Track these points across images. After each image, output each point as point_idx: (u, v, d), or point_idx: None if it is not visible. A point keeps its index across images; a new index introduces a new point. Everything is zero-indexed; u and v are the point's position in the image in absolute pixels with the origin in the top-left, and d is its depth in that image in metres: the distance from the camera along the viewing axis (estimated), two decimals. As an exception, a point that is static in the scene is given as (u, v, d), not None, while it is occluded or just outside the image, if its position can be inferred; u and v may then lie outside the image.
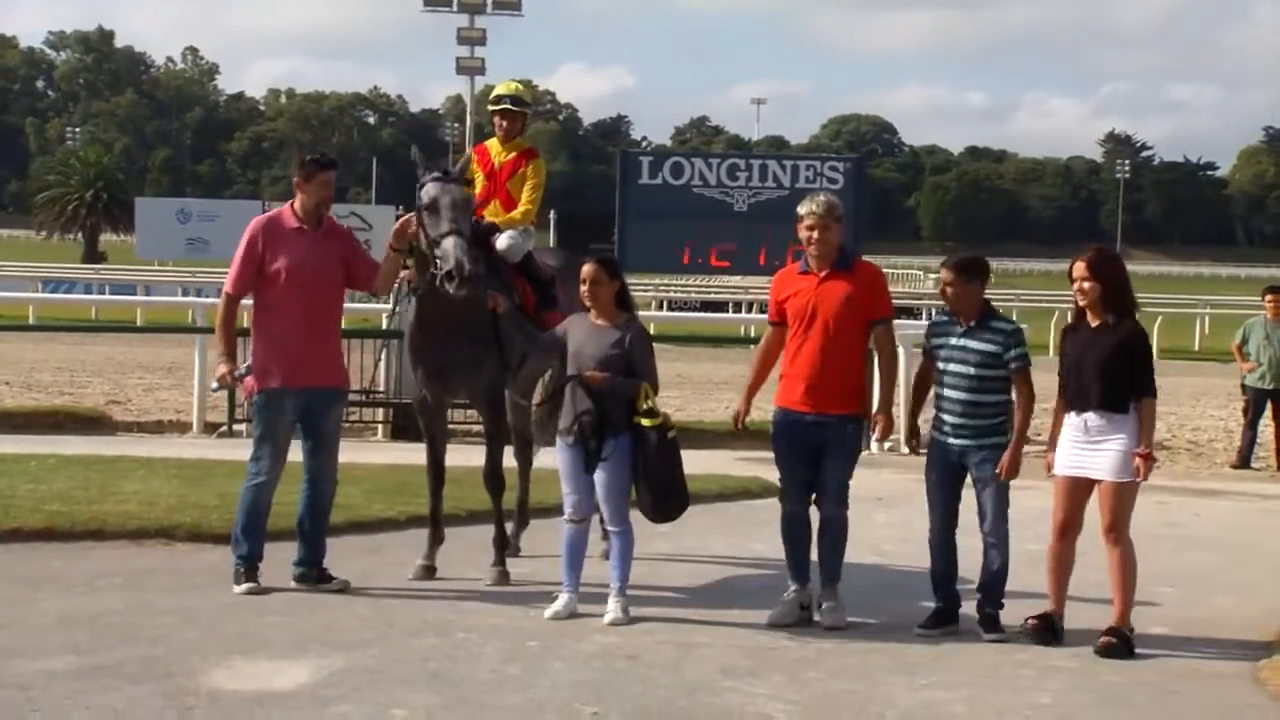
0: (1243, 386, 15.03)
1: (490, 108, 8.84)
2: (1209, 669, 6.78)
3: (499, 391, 8.23)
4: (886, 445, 14.63)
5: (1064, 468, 7.07)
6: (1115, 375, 6.89)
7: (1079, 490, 7.04)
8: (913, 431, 7.68)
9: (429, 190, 7.69)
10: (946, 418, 7.25)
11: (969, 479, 7.27)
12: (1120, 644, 6.84)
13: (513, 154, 8.73)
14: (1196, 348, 34.11)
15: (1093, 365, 6.91)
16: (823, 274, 7.36)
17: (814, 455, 7.36)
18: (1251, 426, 14.79)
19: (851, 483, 7.47)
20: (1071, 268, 7.07)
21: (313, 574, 7.75)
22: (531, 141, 9.26)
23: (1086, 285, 6.98)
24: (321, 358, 7.67)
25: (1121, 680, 6.49)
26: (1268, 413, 14.76)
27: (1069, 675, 6.55)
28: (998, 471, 7.12)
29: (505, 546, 8.27)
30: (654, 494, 7.26)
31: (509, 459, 8.73)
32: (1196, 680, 6.56)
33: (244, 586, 7.57)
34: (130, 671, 6.15)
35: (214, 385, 8.29)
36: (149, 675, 6.11)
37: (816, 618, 7.35)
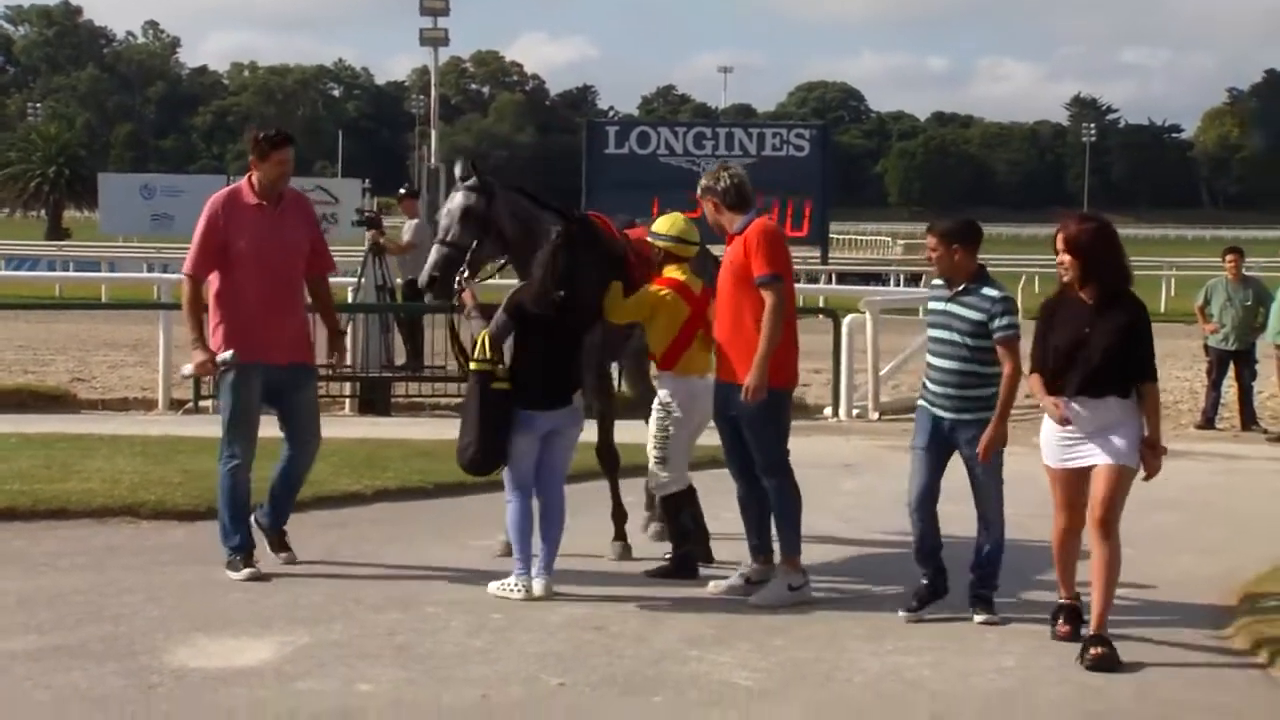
0: (1206, 348, 15.13)
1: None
2: (1173, 630, 6.81)
3: (605, 375, 8.23)
4: (856, 412, 14.71)
5: (1058, 460, 6.49)
6: (1114, 359, 6.32)
7: (1077, 479, 6.46)
8: None
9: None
10: (933, 386, 6.91)
11: (958, 454, 6.89)
12: (1111, 652, 6.22)
13: None
14: (1162, 310, 34.22)
15: (1088, 347, 6.32)
16: (730, 240, 7.32)
17: (737, 425, 7.23)
18: (1215, 387, 14.88)
19: (792, 447, 7.30)
20: (1056, 238, 6.49)
21: (269, 537, 7.71)
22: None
23: (1066, 260, 6.43)
24: (287, 335, 7.55)
25: (1086, 642, 6.52)
26: (1231, 373, 14.86)
27: (1032, 639, 6.57)
28: (979, 450, 6.72)
29: (624, 519, 8.15)
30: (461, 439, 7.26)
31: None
32: (1161, 642, 6.60)
33: (244, 572, 7.39)
34: (93, 650, 6.11)
35: (186, 371, 7.89)
36: (112, 654, 6.07)
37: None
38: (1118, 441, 6.33)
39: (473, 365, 7.28)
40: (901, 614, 6.87)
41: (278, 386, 7.55)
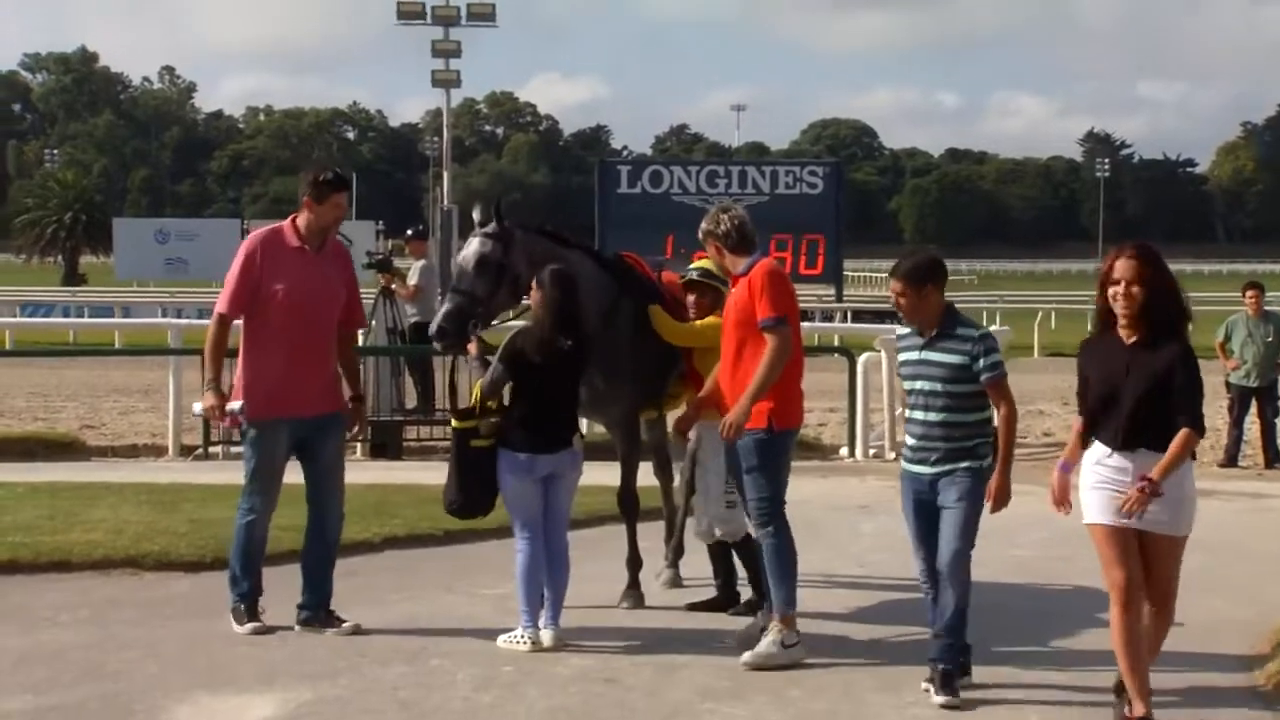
0: (1227, 384, 14.93)
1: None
2: (1204, 677, 6.62)
3: (633, 419, 8.05)
4: (872, 452, 14.52)
5: (1108, 515, 5.68)
6: (1166, 410, 5.65)
7: (1123, 537, 5.67)
8: None
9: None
10: (912, 442, 6.36)
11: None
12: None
13: None
14: (1181, 345, 34.03)
15: (1134, 396, 5.64)
16: (735, 282, 7.14)
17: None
18: (1237, 425, 14.69)
19: (789, 495, 6.98)
20: (1112, 266, 5.72)
21: (319, 616, 7.24)
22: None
23: (1134, 290, 5.66)
24: (319, 384, 7.26)
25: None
26: (1253, 410, 14.67)
27: (1055, 690, 6.37)
28: (987, 501, 6.18)
29: (639, 567, 7.94)
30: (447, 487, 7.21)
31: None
32: (1192, 690, 6.40)
33: (248, 626, 7.15)
34: (90, 710, 5.96)
35: (197, 410, 7.60)
36: (109, 713, 5.91)
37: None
38: (1176, 505, 5.66)
39: (454, 424, 7.15)
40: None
41: (304, 436, 7.25)
